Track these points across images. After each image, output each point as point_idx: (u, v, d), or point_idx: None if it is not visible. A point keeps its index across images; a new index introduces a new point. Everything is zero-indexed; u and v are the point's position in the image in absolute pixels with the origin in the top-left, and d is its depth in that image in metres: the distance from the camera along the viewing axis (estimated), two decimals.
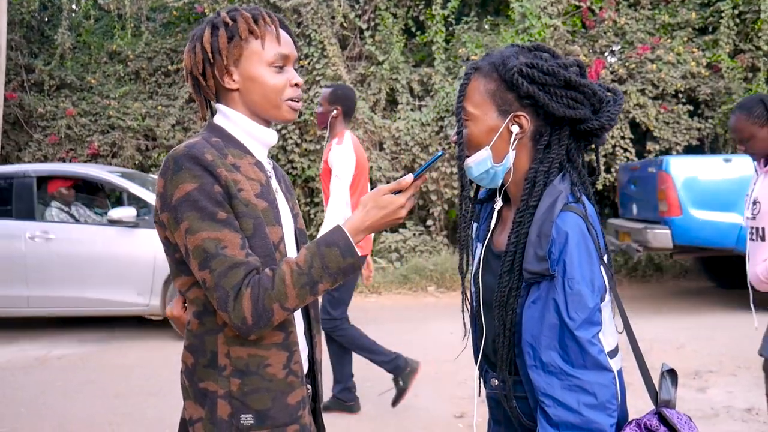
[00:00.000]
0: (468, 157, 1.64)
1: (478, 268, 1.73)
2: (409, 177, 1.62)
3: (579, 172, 1.64)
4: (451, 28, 10.03)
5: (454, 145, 1.69)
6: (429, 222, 9.71)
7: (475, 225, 1.82)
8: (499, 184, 1.67)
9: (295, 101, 1.67)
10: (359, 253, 1.60)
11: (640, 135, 9.70)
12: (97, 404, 4.85)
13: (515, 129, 1.59)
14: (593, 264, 1.53)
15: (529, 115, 1.59)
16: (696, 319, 6.68)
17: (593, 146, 1.69)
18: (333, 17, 9.71)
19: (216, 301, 1.51)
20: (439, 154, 1.69)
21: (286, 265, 1.54)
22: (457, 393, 4.77)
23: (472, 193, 1.74)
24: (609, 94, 1.64)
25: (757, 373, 4.97)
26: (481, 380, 1.82)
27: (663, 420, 1.57)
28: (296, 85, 1.66)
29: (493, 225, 1.73)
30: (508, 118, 1.59)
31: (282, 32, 1.66)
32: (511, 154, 1.61)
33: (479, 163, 1.62)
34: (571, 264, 1.49)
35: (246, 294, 1.49)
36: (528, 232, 1.56)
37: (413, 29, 10.27)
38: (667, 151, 9.67)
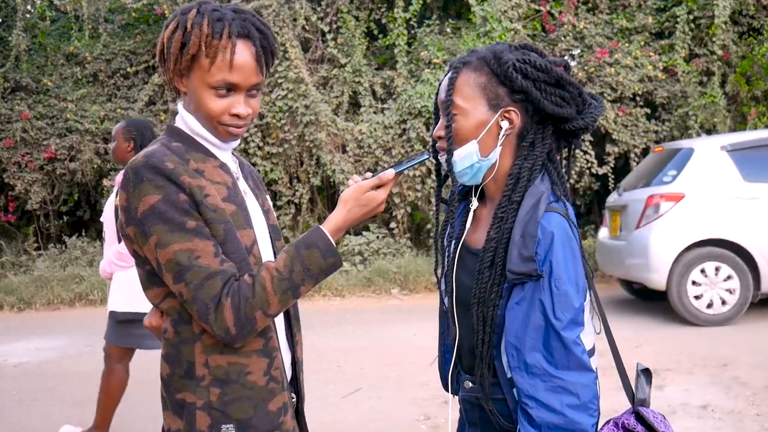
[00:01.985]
0: (454, 150, 1.61)
1: (451, 267, 1.71)
2: (391, 172, 1.59)
3: (558, 172, 1.65)
4: (413, 31, 10.07)
5: (435, 139, 1.66)
6: (392, 225, 9.73)
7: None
8: (480, 181, 1.65)
9: (232, 128, 1.56)
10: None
11: (600, 138, 9.85)
12: (54, 412, 4.75)
13: (505, 124, 1.58)
14: (577, 264, 1.53)
15: (519, 110, 1.59)
16: (654, 319, 6.80)
17: (569, 149, 1.70)
18: (295, 19, 9.67)
19: (196, 313, 1.47)
20: (426, 156, 1.66)
21: (266, 271, 1.50)
22: (421, 395, 4.78)
23: (454, 193, 1.71)
24: (592, 99, 1.65)
25: (713, 371, 5.09)
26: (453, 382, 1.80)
27: (640, 419, 1.59)
28: (237, 115, 1.54)
29: (468, 224, 1.71)
30: (498, 113, 1.58)
31: (240, 57, 1.51)
32: (498, 150, 1.60)
33: (465, 157, 1.60)
34: (558, 264, 1.49)
35: (226, 304, 1.45)
36: (511, 230, 1.55)
37: (375, 32, 10.28)
38: (626, 154, 9.84)
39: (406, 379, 5.07)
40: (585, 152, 9.45)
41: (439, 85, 1.66)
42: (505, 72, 1.55)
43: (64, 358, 6.27)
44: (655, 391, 4.71)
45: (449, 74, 1.62)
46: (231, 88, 1.53)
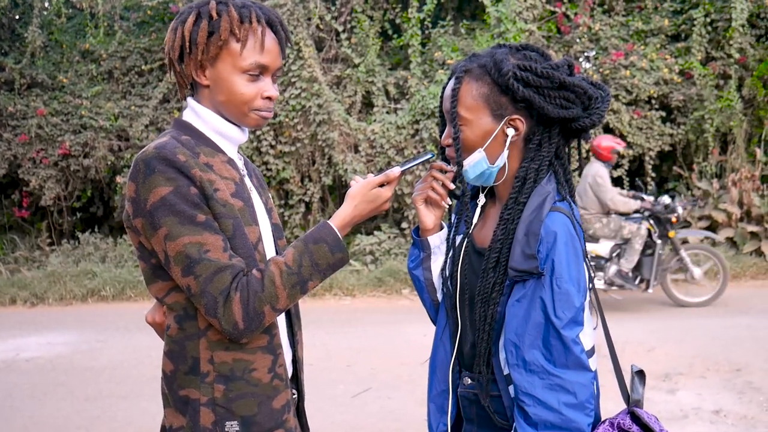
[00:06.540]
0: (463, 159, 1.63)
1: (456, 264, 1.72)
2: (397, 170, 1.63)
3: (565, 169, 1.65)
4: (427, 32, 10.05)
5: (439, 147, 1.69)
6: (404, 225, 9.71)
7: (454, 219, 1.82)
8: (492, 183, 1.67)
9: (264, 112, 1.59)
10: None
11: None
12: (65, 407, 4.77)
13: (511, 132, 1.59)
14: (579, 264, 1.54)
15: (523, 117, 1.59)
16: (667, 322, 6.74)
17: (578, 141, 1.71)
18: (309, 19, 9.69)
19: (203, 307, 1.47)
20: (430, 155, 1.69)
21: (275, 266, 1.51)
22: None
23: (467, 196, 1.73)
24: (598, 91, 1.65)
25: (726, 376, 5.04)
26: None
27: (635, 419, 1.59)
28: (268, 98, 1.57)
29: (475, 221, 1.72)
30: (503, 122, 1.59)
31: (268, 40, 1.55)
32: (505, 154, 1.61)
33: (474, 165, 1.62)
34: (560, 263, 1.50)
35: (235, 298, 1.45)
36: (515, 230, 1.56)
37: (389, 32, 10.28)
38: (641, 157, 9.78)
39: (416, 379, 5.06)
40: None
41: (443, 90, 1.68)
42: (506, 83, 1.56)
43: (76, 353, 6.30)
44: (668, 395, 4.67)
45: (452, 83, 1.63)
46: (261, 72, 1.56)
